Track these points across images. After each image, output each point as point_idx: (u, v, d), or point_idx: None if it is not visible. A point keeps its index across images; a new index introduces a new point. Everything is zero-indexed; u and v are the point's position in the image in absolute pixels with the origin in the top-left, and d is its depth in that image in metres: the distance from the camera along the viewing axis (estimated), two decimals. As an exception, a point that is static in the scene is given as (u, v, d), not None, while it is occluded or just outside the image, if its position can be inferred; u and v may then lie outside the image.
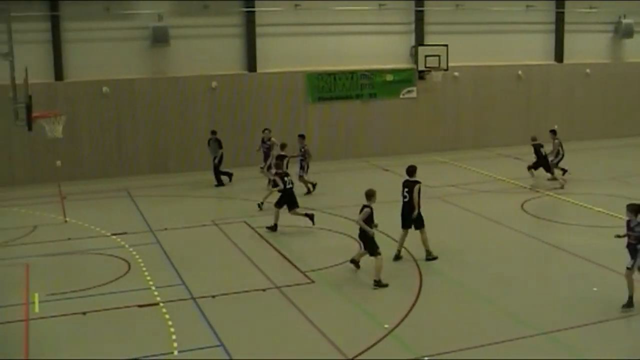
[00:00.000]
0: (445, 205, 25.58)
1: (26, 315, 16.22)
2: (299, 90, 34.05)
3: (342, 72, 34.66)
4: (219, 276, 18.76)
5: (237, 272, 19.07)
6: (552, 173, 27.75)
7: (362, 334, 14.98)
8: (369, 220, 17.58)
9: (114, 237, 22.23)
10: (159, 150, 32.22)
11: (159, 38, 31.26)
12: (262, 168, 27.95)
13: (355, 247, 19.72)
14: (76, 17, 30.62)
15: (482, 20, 36.60)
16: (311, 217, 22.67)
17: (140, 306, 16.56)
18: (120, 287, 17.88)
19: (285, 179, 22.49)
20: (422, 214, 19.39)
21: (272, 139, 28.14)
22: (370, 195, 17.74)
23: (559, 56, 38.61)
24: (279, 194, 22.68)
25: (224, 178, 29.42)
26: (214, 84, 32.60)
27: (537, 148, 27.84)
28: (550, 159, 27.92)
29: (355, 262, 18.50)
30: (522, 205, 25.19)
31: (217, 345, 14.47)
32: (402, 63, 35.92)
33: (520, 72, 37.64)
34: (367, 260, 18.13)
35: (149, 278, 18.44)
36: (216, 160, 29.08)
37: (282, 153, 25.27)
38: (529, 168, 28.06)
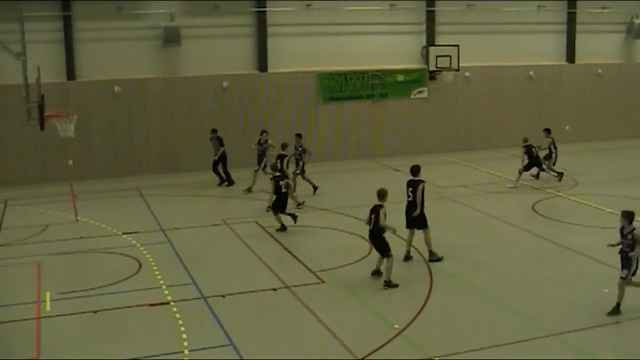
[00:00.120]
0: (456, 205, 25.56)
1: (37, 314, 16.29)
2: (310, 90, 34.06)
3: (353, 72, 34.66)
4: (230, 275, 18.80)
5: (247, 272, 19.10)
6: (546, 168, 28.45)
7: (372, 334, 14.98)
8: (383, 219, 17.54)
9: (125, 236, 22.31)
10: (170, 150, 32.30)
11: (171, 38, 31.32)
12: (255, 170, 27.85)
13: (365, 247, 19.72)
14: (88, 17, 30.72)
15: (494, 21, 36.55)
16: (294, 216, 22.75)
17: (150, 305, 16.61)
18: (131, 286, 17.94)
19: (280, 182, 22.52)
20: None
21: (269, 141, 28.12)
22: (382, 194, 17.66)
23: (570, 56, 38.50)
24: (275, 197, 22.70)
25: (219, 177, 29.42)
26: (225, 84, 32.65)
27: (529, 149, 28.04)
28: (542, 157, 28.35)
29: (377, 272, 18.25)
30: (533, 206, 25.14)
31: (227, 345, 14.50)
32: (413, 63, 35.90)
33: (531, 73, 37.56)
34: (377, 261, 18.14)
35: (159, 277, 18.49)
36: (216, 158, 29.13)
37: (283, 152, 25.43)
38: (520, 172, 28.07)
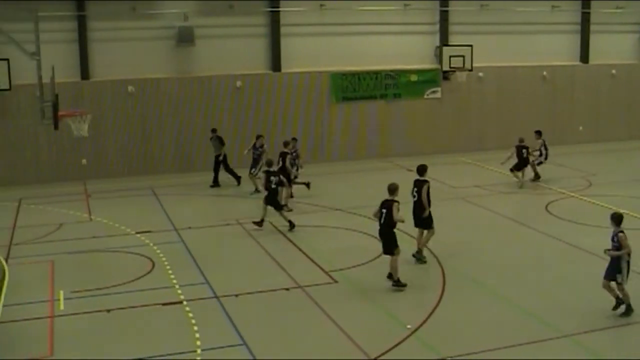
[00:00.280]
0: (469, 205, 25.53)
1: (51, 312, 16.37)
2: (323, 90, 34.06)
3: (367, 72, 34.65)
4: (243, 275, 18.84)
5: (260, 272, 19.13)
6: (530, 164, 28.44)
7: (385, 334, 14.99)
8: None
9: (138, 235, 22.37)
10: (183, 149, 32.36)
11: (185, 38, 31.38)
12: (251, 173, 27.81)
13: (378, 247, 19.70)
14: (102, 17, 30.82)
15: (507, 21, 36.45)
16: (292, 225, 22.75)
17: (163, 304, 16.66)
18: (144, 285, 18.01)
19: (272, 178, 22.64)
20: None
21: (265, 145, 28.12)
22: (393, 189, 17.52)
23: (584, 57, 38.37)
24: (266, 192, 22.81)
25: (223, 178, 29.38)
26: (238, 83, 32.70)
27: (520, 149, 28.09)
28: (531, 159, 28.41)
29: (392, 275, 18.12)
30: (546, 207, 25.08)
31: (240, 344, 14.53)
32: (427, 63, 35.85)
33: (545, 73, 37.45)
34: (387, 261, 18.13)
35: (172, 276, 18.53)
36: (220, 158, 29.17)
37: (285, 150, 25.79)
38: (512, 170, 28.15)
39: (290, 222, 22.58)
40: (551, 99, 37.74)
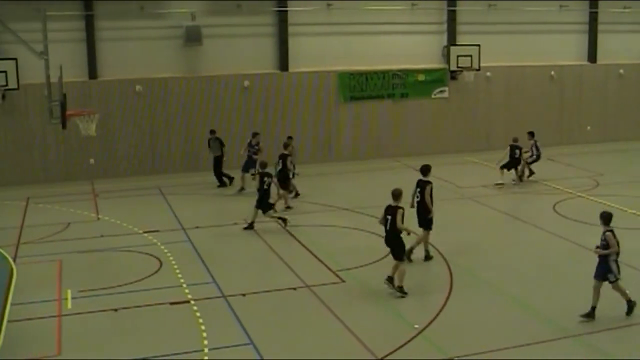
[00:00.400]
0: (477, 205, 25.49)
1: (59, 311, 16.41)
2: (331, 89, 34.05)
3: (374, 72, 34.62)
4: (250, 274, 18.87)
5: (268, 271, 19.16)
6: (522, 164, 28.57)
7: (392, 334, 15.01)
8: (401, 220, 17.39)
9: (146, 234, 22.40)
10: (191, 149, 32.37)
11: (192, 37, 31.39)
12: (252, 175, 27.65)
13: (385, 247, 19.68)
14: (110, 16, 30.88)
15: (515, 20, 36.39)
16: (284, 220, 22.84)
17: (171, 304, 16.69)
18: (151, 285, 18.03)
19: (265, 179, 22.64)
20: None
21: (260, 144, 28.10)
22: (397, 194, 17.29)
23: (592, 56, 38.28)
24: (257, 194, 22.79)
25: (225, 179, 29.47)
26: (246, 83, 32.70)
27: (513, 149, 28.20)
28: (523, 158, 28.49)
29: (391, 279, 17.59)
30: (554, 207, 25.04)
31: (247, 344, 14.54)
32: (434, 63, 35.82)
33: (553, 73, 37.37)
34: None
35: (180, 276, 18.56)
36: (225, 158, 29.17)
37: (285, 152, 25.73)
38: (501, 168, 28.24)
39: (280, 218, 22.71)
40: (559, 98, 37.67)
